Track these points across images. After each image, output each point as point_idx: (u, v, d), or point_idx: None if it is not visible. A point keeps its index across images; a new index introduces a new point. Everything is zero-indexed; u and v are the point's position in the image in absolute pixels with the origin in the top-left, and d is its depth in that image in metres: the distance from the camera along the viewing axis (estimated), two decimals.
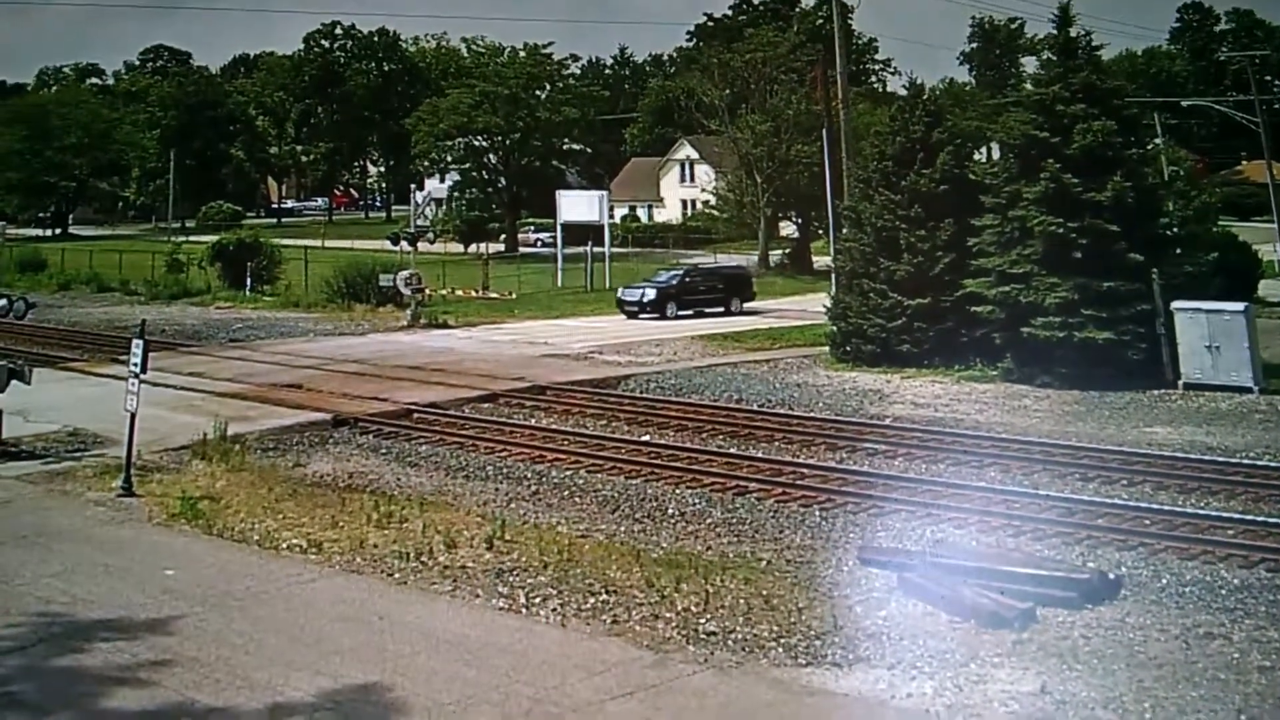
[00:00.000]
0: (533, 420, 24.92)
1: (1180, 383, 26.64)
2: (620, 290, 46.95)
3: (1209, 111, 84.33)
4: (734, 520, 17.02)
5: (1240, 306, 27.42)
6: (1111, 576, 13.56)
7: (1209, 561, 14.55)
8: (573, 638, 11.97)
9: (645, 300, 44.58)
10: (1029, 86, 35.64)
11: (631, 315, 44.15)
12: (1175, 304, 27.13)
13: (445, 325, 42.37)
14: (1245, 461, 19.68)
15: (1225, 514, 16.50)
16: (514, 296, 51.87)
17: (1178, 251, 29.48)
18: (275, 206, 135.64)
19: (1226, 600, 13.17)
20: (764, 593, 13.08)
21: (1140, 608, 12.77)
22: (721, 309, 45.19)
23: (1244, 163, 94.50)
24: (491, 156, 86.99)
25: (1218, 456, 20.17)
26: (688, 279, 46.63)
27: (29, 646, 11.62)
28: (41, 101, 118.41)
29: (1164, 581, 13.84)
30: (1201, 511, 16.73)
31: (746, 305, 46.05)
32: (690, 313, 44.31)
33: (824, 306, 34.11)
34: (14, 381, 20.74)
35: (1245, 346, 26.36)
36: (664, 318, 43.45)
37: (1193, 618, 12.51)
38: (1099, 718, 10.08)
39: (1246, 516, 16.32)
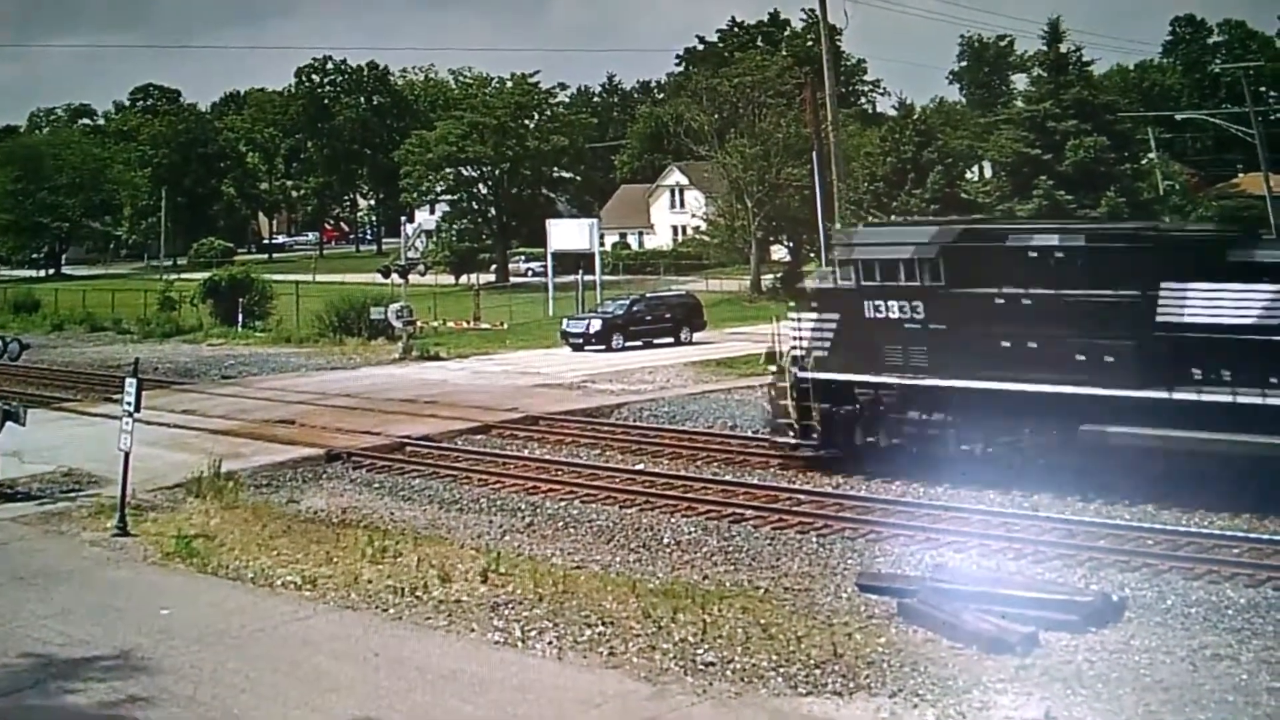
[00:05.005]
0: (526, 451, 24.80)
1: None
2: (564, 321, 46.09)
3: (1204, 124, 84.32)
4: (730, 548, 16.88)
5: None
6: (1115, 598, 13.44)
7: (1214, 581, 14.42)
8: (569, 670, 11.83)
9: (591, 331, 43.49)
10: (1020, 104, 35.66)
11: (576, 348, 43.04)
12: None
13: (437, 357, 42.27)
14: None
15: (1230, 532, 16.35)
16: (505, 327, 51.80)
17: None
18: (266, 242, 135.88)
19: (1233, 620, 13.04)
20: (762, 621, 12.94)
21: (1145, 630, 12.65)
22: (671, 339, 44.25)
23: (1240, 175, 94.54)
24: (481, 187, 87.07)
25: None
26: (635, 309, 45.39)
27: (25, 688, 11.52)
28: (34, 143, 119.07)
29: (1169, 602, 13.71)
30: (1206, 530, 16.58)
31: (697, 336, 44.84)
32: (639, 343, 43.38)
33: None
34: (9, 423, 20.56)
35: None
36: (610, 349, 42.43)
37: (1199, 639, 12.38)
38: None
39: (1252, 535, 16.18)
